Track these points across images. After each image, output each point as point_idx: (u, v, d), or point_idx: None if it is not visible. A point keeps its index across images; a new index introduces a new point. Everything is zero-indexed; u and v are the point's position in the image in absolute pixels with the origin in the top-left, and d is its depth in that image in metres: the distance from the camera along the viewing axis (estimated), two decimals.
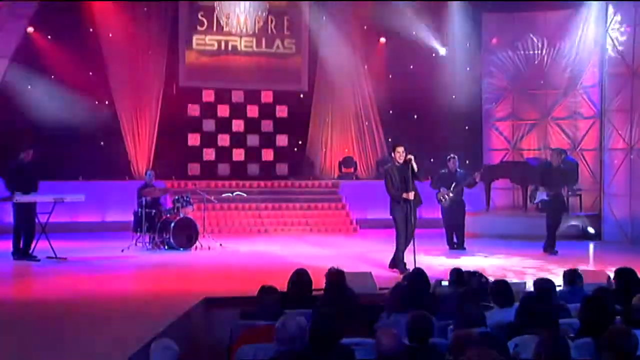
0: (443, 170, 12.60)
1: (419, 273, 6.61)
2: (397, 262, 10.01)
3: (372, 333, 5.06)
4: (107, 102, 16.57)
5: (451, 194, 12.30)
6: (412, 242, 9.96)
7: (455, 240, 12.54)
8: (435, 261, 10.92)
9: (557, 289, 6.46)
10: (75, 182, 15.35)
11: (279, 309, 5.36)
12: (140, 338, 6.16)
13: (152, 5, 16.71)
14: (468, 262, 10.59)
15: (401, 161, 9.93)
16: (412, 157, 9.90)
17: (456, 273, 6.79)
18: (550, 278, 6.62)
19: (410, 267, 9.31)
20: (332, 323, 4.54)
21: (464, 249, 12.34)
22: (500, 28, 17.16)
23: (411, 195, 9.86)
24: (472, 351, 3.85)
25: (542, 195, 11.97)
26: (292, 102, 18.22)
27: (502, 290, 5.75)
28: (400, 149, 10.00)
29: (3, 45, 15.19)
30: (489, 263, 10.93)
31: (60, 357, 6.03)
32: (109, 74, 16.42)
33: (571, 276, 6.70)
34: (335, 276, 6.33)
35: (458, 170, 12.51)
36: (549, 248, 12.01)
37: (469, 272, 6.72)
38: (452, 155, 12.56)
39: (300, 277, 6.35)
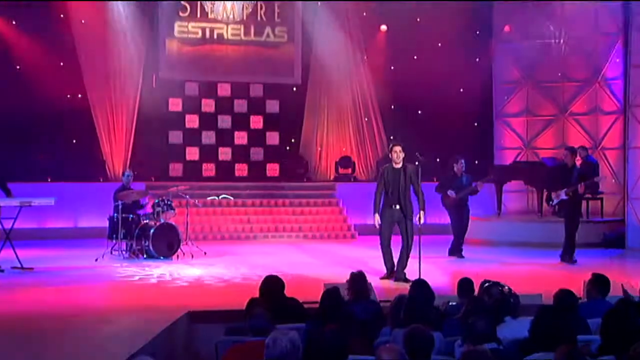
0: (448, 174, 12.62)
1: (422, 284, 6.60)
2: (386, 267, 10.24)
3: (372, 350, 5.06)
4: (79, 96, 16.54)
5: (461, 195, 12.36)
6: (406, 249, 10.09)
7: (462, 248, 12.57)
8: (441, 270, 10.92)
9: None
10: (44, 183, 15.32)
11: (269, 323, 5.35)
12: (117, 356, 6.15)
13: None
14: (478, 272, 10.59)
15: (399, 161, 9.98)
16: (420, 159, 9.93)
17: (465, 283, 6.78)
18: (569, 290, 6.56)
19: (415, 277, 9.34)
20: (337, 342, 4.53)
21: (462, 256, 12.40)
22: (513, 14, 17.19)
23: (377, 220, 10.10)
24: None
25: (560, 195, 11.98)
26: (284, 96, 18.22)
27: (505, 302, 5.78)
28: (398, 149, 10.03)
29: None
30: (501, 273, 10.93)
31: None
32: (82, 65, 16.39)
33: (602, 283, 6.61)
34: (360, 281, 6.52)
35: (464, 174, 12.51)
36: (567, 257, 12.02)
37: (490, 283, 6.66)
38: (457, 157, 12.56)
39: (270, 281, 6.44)
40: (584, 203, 14.52)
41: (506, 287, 6.16)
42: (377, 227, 10.24)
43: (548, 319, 5.01)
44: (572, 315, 5.71)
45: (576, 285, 6.53)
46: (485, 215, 15.17)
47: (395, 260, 10.27)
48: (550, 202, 12.26)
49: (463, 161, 12.57)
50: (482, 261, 12.13)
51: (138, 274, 10.92)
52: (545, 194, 13.16)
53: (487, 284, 6.27)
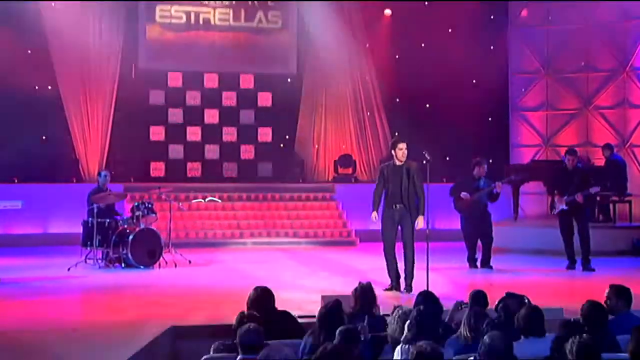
0: (464, 177, 12.56)
1: (429, 296, 6.62)
2: (390, 277, 10.25)
3: None
4: (49, 87, 16.54)
5: (478, 197, 12.31)
6: (411, 255, 10.13)
7: (477, 257, 12.55)
8: (450, 281, 10.95)
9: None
10: (10, 185, 15.34)
11: (262, 339, 5.37)
12: None
13: None
14: (492, 283, 10.62)
15: (403, 160, 10.06)
16: (427, 159, 9.92)
17: (477, 296, 6.78)
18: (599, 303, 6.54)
19: (422, 288, 9.37)
20: None
21: (491, 267, 12.34)
22: None
23: (374, 216, 10.32)
24: None
25: (561, 204, 12.03)
26: (278, 88, 18.23)
27: (533, 318, 5.76)
28: (403, 146, 10.13)
29: None
30: (517, 283, 10.96)
31: None
32: (52, 53, 16.39)
33: (625, 294, 6.60)
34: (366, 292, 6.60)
35: (484, 178, 12.45)
36: (586, 265, 12.11)
37: (511, 295, 6.66)
38: (479, 159, 12.48)
39: (261, 292, 6.47)
40: (610, 206, 14.59)
41: (526, 300, 6.14)
42: (374, 221, 10.37)
43: (572, 335, 5.02)
44: (599, 332, 5.72)
45: (600, 298, 6.53)
46: (501, 219, 15.14)
47: (401, 269, 10.29)
48: (553, 211, 12.30)
49: (486, 166, 12.48)
50: (496, 271, 12.15)
51: (115, 285, 10.92)
52: (549, 200, 13.17)
53: (507, 296, 6.25)
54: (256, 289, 6.59)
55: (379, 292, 9.27)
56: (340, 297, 6.54)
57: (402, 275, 10.27)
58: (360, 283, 6.76)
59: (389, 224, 10.26)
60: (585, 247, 12.14)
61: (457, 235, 12.86)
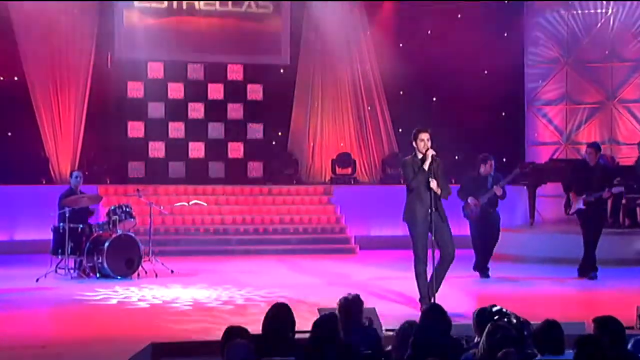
0: (472, 175, 12.55)
1: (435, 309, 6.61)
2: (421, 296, 9.92)
3: None
4: (16, 79, 16.53)
5: (484, 201, 12.31)
6: (448, 263, 9.84)
7: (489, 265, 12.56)
8: (460, 292, 10.95)
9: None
10: None
11: (251, 356, 5.37)
12: None
13: None
14: (505, 295, 10.63)
15: (424, 152, 9.77)
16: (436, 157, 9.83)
17: (483, 316, 6.74)
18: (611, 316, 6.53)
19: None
20: None
21: (488, 276, 12.39)
22: None
23: (433, 185, 9.63)
24: None
25: (578, 203, 12.06)
26: (270, 80, 18.22)
27: (550, 333, 5.76)
28: (425, 136, 9.85)
29: None
30: (533, 295, 10.98)
31: None
32: (19, 41, 16.37)
33: None
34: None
35: (492, 175, 12.44)
36: (585, 271, 12.13)
37: (499, 313, 6.66)
38: (486, 155, 12.49)
39: (279, 313, 6.36)
40: (638, 210, 14.60)
41: (513, 317, 6.14)
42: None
43: (596, 351, 5.03)
44: (620, 348, 5.73)
45: (627, 311, 6.54)
46: (515, 225, 15.17)
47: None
48: (568, 211, 12.29)
49: (493, 162, 12.46)
50: (510, 281, 12.15)
51: (89, 297, 10.91)
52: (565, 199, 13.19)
53: (495, 317, 6.25)
54: (277, 307, 6.42)
55: (381, 305, 9.30)
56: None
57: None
58: (348, 294, 6.73)
59: (422, 230, 9.75)
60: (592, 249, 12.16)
61: (467, 242, 12.86)
